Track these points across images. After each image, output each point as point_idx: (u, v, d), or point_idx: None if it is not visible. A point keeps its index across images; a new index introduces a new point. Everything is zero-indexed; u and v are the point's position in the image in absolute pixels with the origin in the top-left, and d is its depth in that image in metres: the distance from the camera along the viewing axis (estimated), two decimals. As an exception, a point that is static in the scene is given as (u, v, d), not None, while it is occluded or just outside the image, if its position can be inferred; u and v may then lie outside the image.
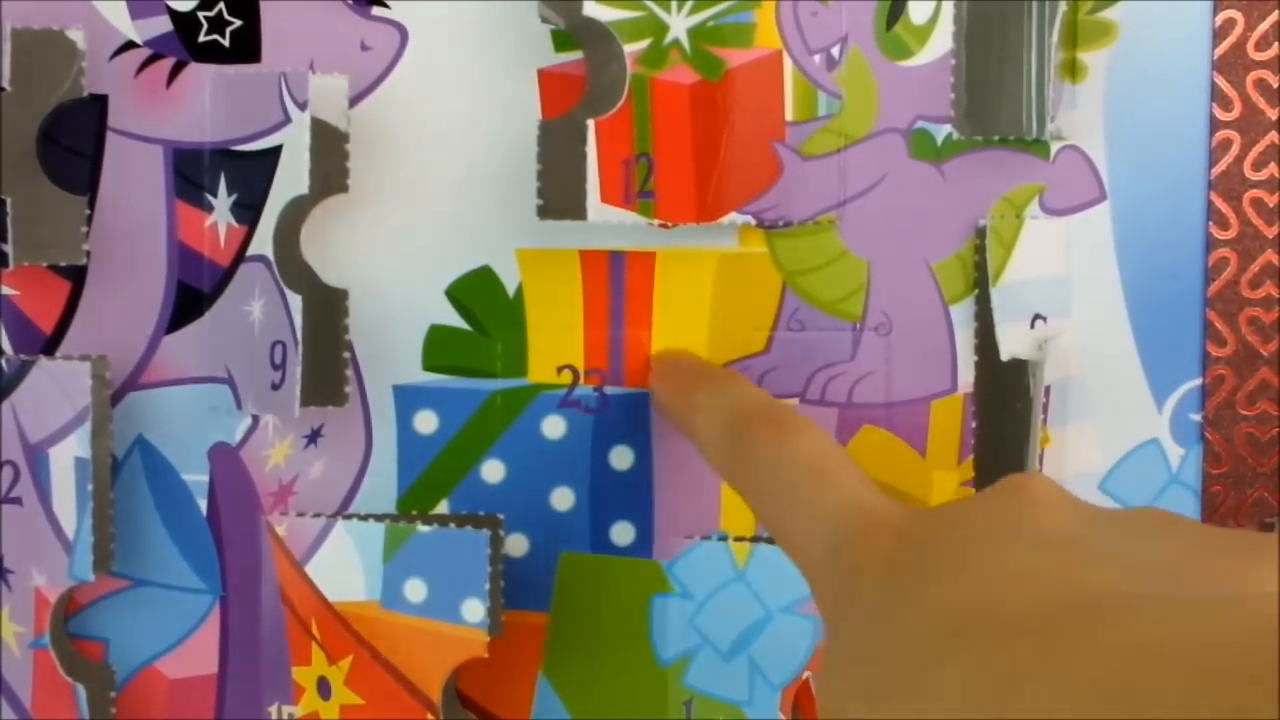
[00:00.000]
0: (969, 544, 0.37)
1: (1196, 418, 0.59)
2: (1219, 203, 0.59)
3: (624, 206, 0.54)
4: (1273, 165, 0.59)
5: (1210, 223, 0.59)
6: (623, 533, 0.57)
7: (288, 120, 0.53)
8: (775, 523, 0.45)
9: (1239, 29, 0.58)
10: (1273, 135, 0.59)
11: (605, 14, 0.53)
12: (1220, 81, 0.58)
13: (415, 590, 0.55)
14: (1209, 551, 0.34)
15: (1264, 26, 0.59)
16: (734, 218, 0.55)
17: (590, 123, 0.53)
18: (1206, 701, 0.27)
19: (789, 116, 0.56)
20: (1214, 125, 0.58)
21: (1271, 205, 0.59)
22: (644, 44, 0.54)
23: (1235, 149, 0.59)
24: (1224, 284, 0.59)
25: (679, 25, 0.54)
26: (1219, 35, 0.58)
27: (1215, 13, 0.58)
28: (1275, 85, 0.59)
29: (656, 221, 0.54)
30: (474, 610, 0.54)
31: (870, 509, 0.42)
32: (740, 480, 0.47)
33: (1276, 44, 0.59)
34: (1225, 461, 0.60)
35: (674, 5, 0.54)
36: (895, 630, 0.36)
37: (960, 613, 0.34)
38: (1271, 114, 0.59)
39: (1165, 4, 0.57)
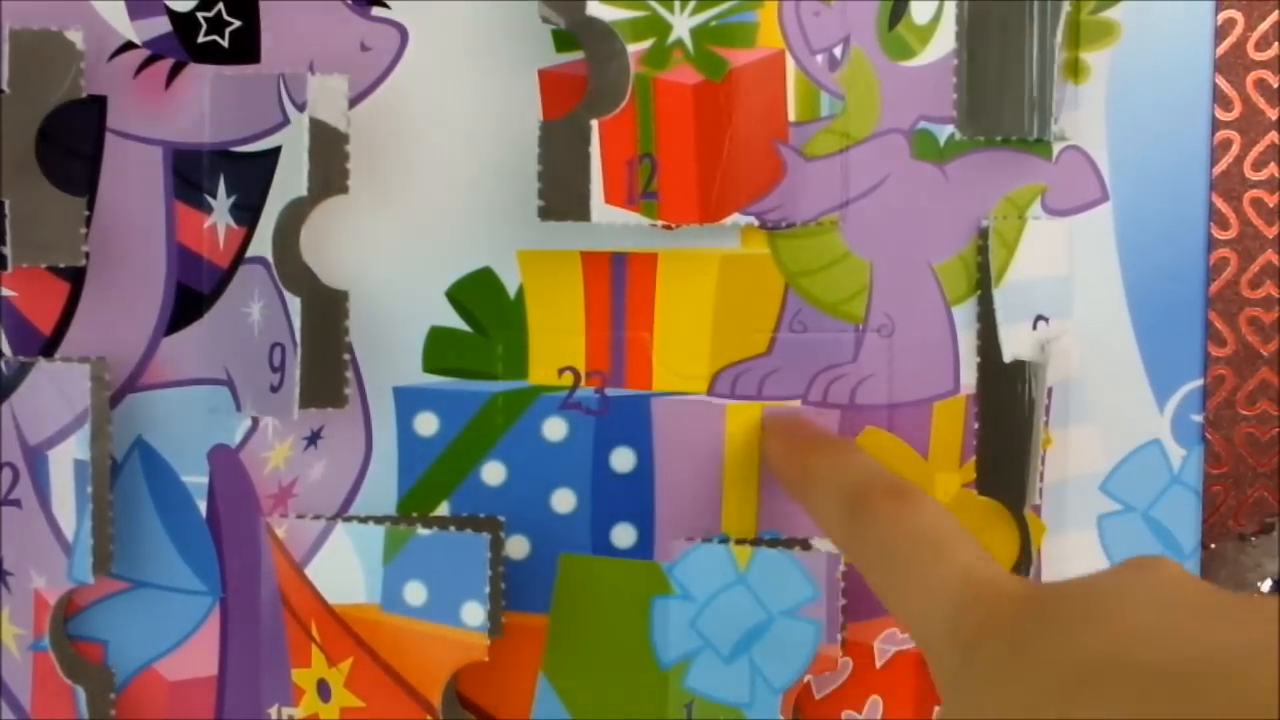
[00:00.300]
0: (1095, 605, 0.38)
1: (1198, 418, 0.59)
2: (1219, 203, 0.59)
3: (627, 207, 0.53)
4: (1273, 165, 0.59)
5: (1210, 223, 0.59)
6: (624, 535, 0.57)
7: (286, 121, 0.53)
8: (893, 595, 0.45)
9: (1239, 29, 0.58)
10: (1273, 135, 0.59)
11: (608, 13, 0.53)
12: (1220, 81, 0.58)
13: (415, 593, 0.55)
14: None
15: (1264, 26, 0.58)
16: (737, 219, 0.55)
17: (594, 123, 0.53)
18: None
19: (791, 117, 0.56)
20: (1214, 125, 0.58)
21: (1271, 205, 0.59)
22: (647, 44, 0.54)
23: (1235, 149, 0.59)
24: (1224, 284, 0.59)
25: (682, 25, 0.54)
26: (1218, 35, 0.58)
27: (1217, 13, 0.58)
28: (1275, 85, 0.59)
29: (659, 222, 0.54)
30: (474, 613, 0.54)
31: (989, 581, 0.42)
32: (857, 551, 0.48)
33: (1276, 44, 0.59)
34: (1225, 461, 0.60)
35: (677, 5, 0.54)
36: (1018, 685, 0.36)
37: (1089, 663, 0.35)
38: (1271, 114, 0.59)
39: (1167, 4, 0.57)
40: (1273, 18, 0.58)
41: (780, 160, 0.56)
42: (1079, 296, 0.58)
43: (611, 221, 0.53)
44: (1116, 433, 0.59)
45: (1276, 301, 0.59)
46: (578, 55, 0.55)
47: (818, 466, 0.51)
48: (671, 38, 0.54)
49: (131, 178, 0.55)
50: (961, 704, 0.39)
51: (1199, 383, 0.59)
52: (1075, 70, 0.57)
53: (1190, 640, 0.34)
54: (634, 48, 0.53)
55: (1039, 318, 0.57)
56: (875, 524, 0.47)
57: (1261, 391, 0.60)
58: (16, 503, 0.54)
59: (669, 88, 0.54)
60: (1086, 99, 0.57)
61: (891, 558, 0.45)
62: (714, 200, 0.54)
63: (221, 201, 0.55)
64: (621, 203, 0.53)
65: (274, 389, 0.53)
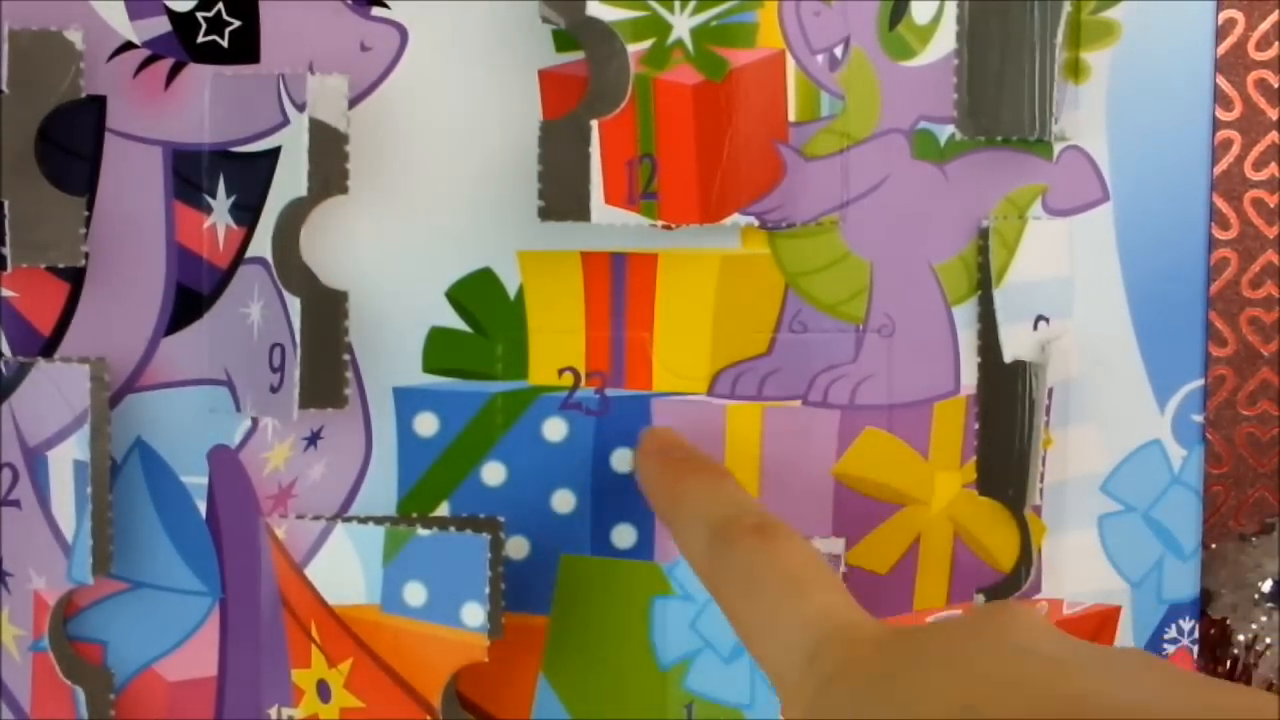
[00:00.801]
0: (951, 653, 0.38)
1: (1199, 419, 0.59)
2: (1219, 203, 0.59)
3: (627, 208, 0.53)
4: (1273, 165, 0.59)
5: (1210, 222, 0.59)
6: (624, 535, 0.57)
7: (286, 122, 0.53)
8: (750, 629, 0.45)
9: (1239, 29, 0.59)
10: (1273, 135, 0.59)
11: (608, 14, 0.53)
12: (1221, 81, 0.58)
13: (415, 593, 0.55)
14: (1195, 685, 0.35)
15: (1264, 26, 0.59)
16: (737, 219, 0.55)
17: (594, 123, 0.53)
18: None
19: (792, 117, 0.56)
20: (1214, 125, 0.58)
21: (1272, 205, 0.59)
22: (647, 44, 0.54)
23: (1236, 149, 0.59)
24: (1224, 284, 0.59)
25: (682, 25, 0.54)
26: (1219, 35, 0.58)
27: (1218, 13, 0.58)
28: (1275, 85, 0.59)
29: (659, 223, 0.54)
30: (474, 614, 0.54)
31: (849, 623, 0.42)
32: (717, 582, 0.47)
33: (1277, 44, 0.59)
34: (1225, 461, 0.60)
35: (677, 5, 0.54)
36: None
37: (935, 711, 0.35)
38: (1272, 114, 0.59)
39: (1168, 4, 0.57)
40: (1273, 18, 0.59)
41: (780, 160, 0.56)
42: (1079, 297, 0.58)
43: (611, 222, 0.53)
44: (1117, 433, 0.59)
45: (1277, 301, 0.60)
46: (578, 55, 0.55)
47: (687, 492, 0.51)
48: (671, 38, 0.54)
49: (131, 178, 0.55)
50: None
51: (1199, 383, 0.59)
52: (1076, 70, 0.57)
53: (1035, 691, 0.35)
54: (634, 48, 0.53)
55: (1039, 318, 0.57)
56: (738, 557, 0.46)
57: (1262, 391, 0.60)
58: (16, 503, 0.54)
59: (669, 88, 0.54)
60: (1087, 99, 0.57)
61: (752, 591, 0.45)
62: (714, 200, 0.54)
63: (221, 202, 0.55)
64: (621, 203, 0.53)
65: (274, 389, 0.53)
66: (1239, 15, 0.58)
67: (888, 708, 0.37)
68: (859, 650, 0.40)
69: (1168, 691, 0.34)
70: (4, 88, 0.52)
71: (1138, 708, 0.33)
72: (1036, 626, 0.39)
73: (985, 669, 0.36)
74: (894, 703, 0.37)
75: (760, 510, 0.49)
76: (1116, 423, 0.59)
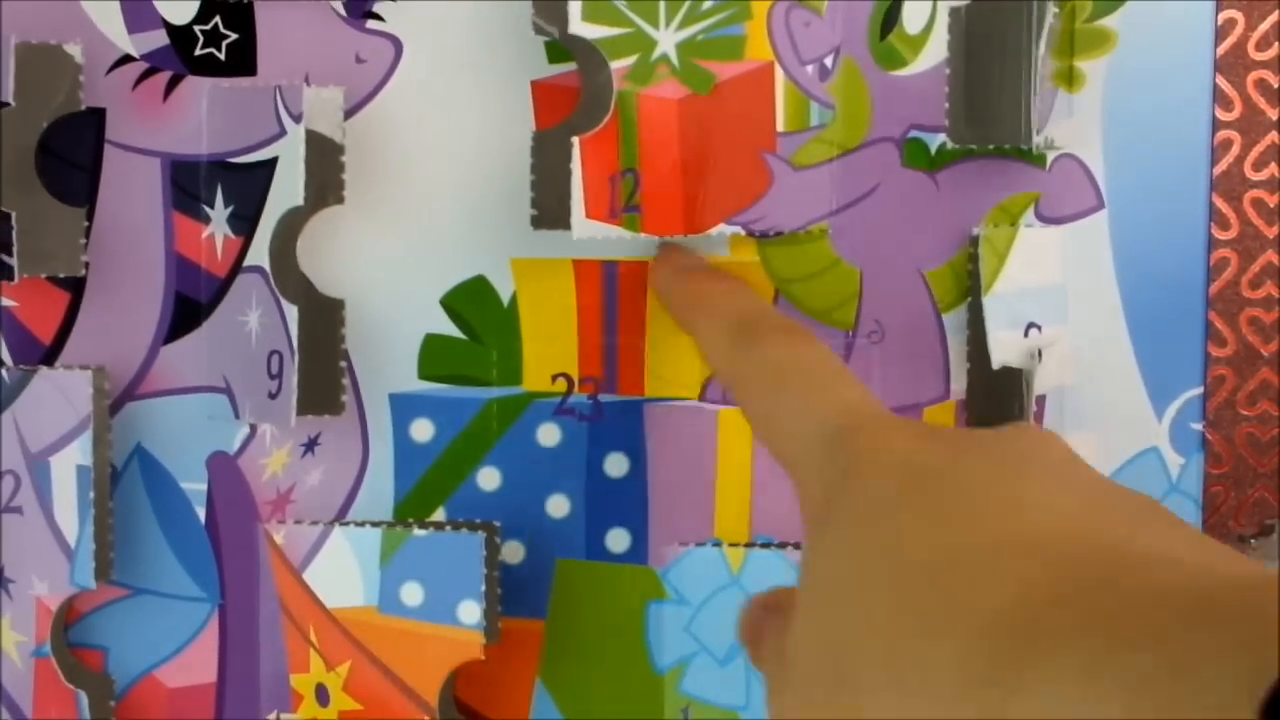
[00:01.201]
0: (996, 476, 0.36)
1: (1197, 426, 0.59)
2: (1219, 203, 0.59)
3: (609, 221, 0.54)
4: (1273, 165, 0.59)
5: (1210, 223, 0.58)
6: (618, 539, 0.58)
7: (283, 133, 0.54)
8: (768, 419, 0.44)
9: (1239, 29, 0.58)
10: (1273, 135, 0.59)
11: (592, 31, 0.53)
12: (1221, 82, 0.58)
13: (412, 593, 0.55)
14: (1210, 543, 0.36)
15: (1264, 26, 0.58)
16: (722, 229, 0.55)
17: (575, 140, 0.53)
18: (1215, 638, 0.28)
19: (781, 127, 0.56)
20: (1214, 125, 0.58)
21: (1272, 205, 0.59)
22: (631, 60, 0.54)
23: (1235, 149, 0.59)
24: (1224, 284, 0.59)
25: (667, 40, 0.54)
26: (1219, 35, 0.58)
27: (1217, 14, 0.58)
28: (1275, 85, 0.58)
29: (644, 235, 0.54)
30: (470, 612, 0.55)
31: (877, 413, 0.41)
32: (739, 375, 0.46)
33: (1277, 44, 0.58)
34: (1225, 462, 0.60)
35: (662, 20, 0.54)
36: (909, 530, 0.35)
37: (993, 535, 0.34)
38: (1272, 114, 0.59)
39: (1165, 12, 0.57)
40: (1273, 18, 0.58)
41: (767, 171, 0.56)
42: (1075, 304, 0.58)
43: (592, 235, 0.54)
44: (1113, 441, 0.58)
45: (1277, 301, 0.59)
46: (570, 66, 0.55)
47: (711, 291, 0.51)
48: (656, 53, 0.54)
49: (130, 189, 0.55)
50: (837, 534, 0.37)
51: (1198, 390, 0.59)
52: (1070, 78, 0.57)
53: (1080, 527, 0.34)
54: (618, 64, 0.54)
55: (1030, 325, 0.57)
56: (762, 353, 0.45)
57: (1262, 391, 0.60)
58: (18, 510, 0.55)
59: (653, 103, 0.54)
60: (1082, 107, 0.57)
61: (773, 383, 0.44)
62: (699, 212, 0.54)
63: (219, 212, 0.55)
64: (603, 217, 0.53)
65: (272, 396, 0.54)
66: (1239, 15, 0.58)
67: (929, 520, 0.35)
68: (890, 445, 0.38)
69: (1192, 544, 0.35)
70: (10, 100, 0.53)
71: (1163, 552, 0.33)
72: (1065, 457, 0.38)
73: (1022, 497, 0.35)
74: (936, 517, 0.35)
75: (783, 315, 0.49)
76: (1113, 431, 0.58)
